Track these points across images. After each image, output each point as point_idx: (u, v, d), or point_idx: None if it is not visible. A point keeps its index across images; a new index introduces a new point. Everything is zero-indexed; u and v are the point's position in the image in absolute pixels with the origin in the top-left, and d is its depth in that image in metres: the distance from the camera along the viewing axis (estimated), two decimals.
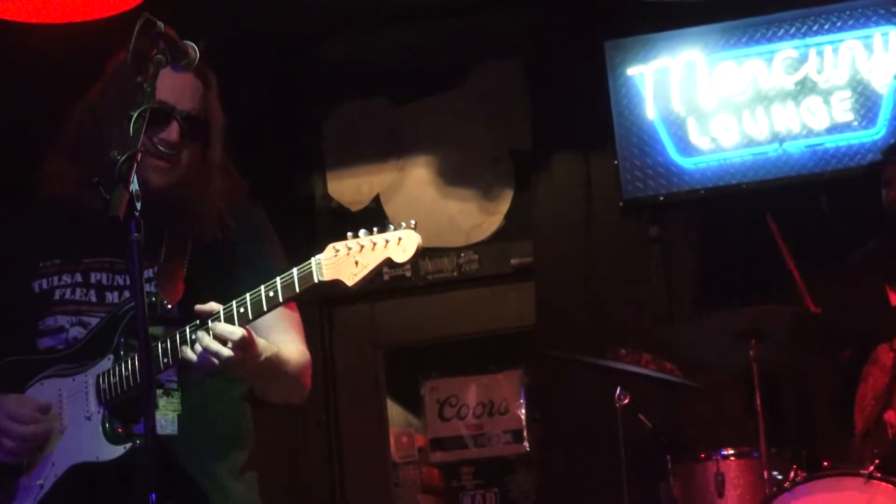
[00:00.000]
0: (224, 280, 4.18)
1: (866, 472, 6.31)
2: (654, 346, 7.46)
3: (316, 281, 3.85)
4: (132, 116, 3.64)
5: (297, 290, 3.86)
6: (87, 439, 3.96)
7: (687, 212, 8.61)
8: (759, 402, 6.86)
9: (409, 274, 8.98)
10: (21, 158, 4.44)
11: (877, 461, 6.36)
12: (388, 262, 3.83)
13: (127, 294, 4.12)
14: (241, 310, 3.89)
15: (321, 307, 9.04)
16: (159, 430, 3.87)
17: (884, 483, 6.28)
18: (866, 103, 8.22)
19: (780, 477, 6.66)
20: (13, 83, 7.62)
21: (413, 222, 3.81)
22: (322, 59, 9.17)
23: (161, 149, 4.04)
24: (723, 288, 8.39)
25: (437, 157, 9.20)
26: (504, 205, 9.13)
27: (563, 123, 8.82)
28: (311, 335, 8.15)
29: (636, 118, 8.52)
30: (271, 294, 3.87)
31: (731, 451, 7.00)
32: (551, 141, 8.88)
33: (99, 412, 3.99)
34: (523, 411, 8.90)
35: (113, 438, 3.96)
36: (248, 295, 3.89)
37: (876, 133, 8.18)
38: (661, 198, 8.50)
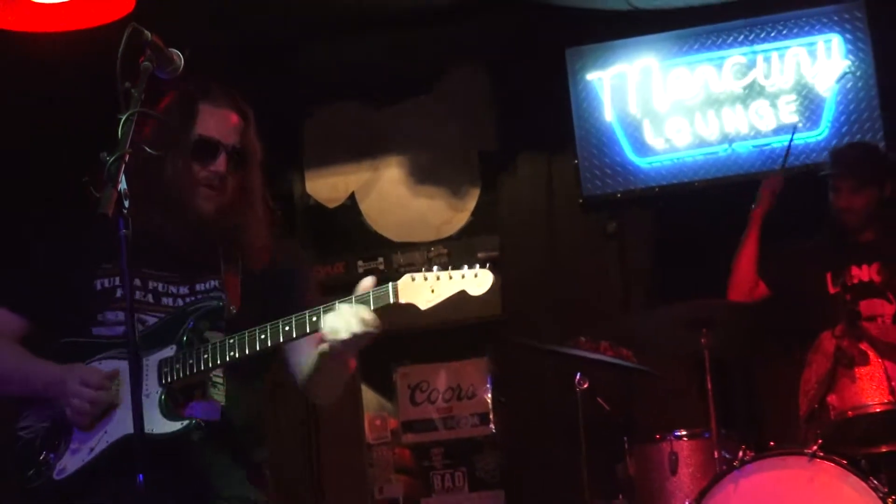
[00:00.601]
0: (271, 303, 4.37)
1: (810, 451, 6.34)
2: (611, 335, 7.48)
3: (391, 301, 4.12)
4: (121, 119, 3.66)
5: (372, 307, 4.11)
6: (146, 413, 3.96)
7: (642, 208, 8.64)
8: (709, 386, 6.89)
9: (382, 267, 9.00)
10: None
11: (819, 441, 6.40)
12: (463, 295, 4.15)
13: (181, 302, 4.34)
14: (314, 318, 4.12)
15: None
16: (205, 416, 4.17)
17: (826, 462, 6.31)
18: (810, 106, 8.26)
19: (729, 456, 6.69)
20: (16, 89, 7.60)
21: (488, 264, 4.15)
22: (302, 64, 9.15)
23: (210, 179, 4.29)
24: (676, 280, 8.40)
25: (409, 158, 9.21)
26: (471, 202, 9.14)
27: (526, 125, 8.84)
28: None
29: (595, 120, 8.54)
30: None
31: (684, 433, 7.03)
32: (516, 142, 8.91)
33: (157, 392, 4.14)
34: (489, 395, 8.90)
35: (169, 416, 4.12)
36: (320, 307, 4.12)
37: (819, 134, 8.22)
38: (619, 195, 8.52)
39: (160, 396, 4.14)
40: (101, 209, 3.57)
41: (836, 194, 7.31)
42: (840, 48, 8.21)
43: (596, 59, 8.55)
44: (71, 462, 4.15)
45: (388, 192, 9.16)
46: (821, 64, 8.24)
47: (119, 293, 4.27)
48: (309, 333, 4.16)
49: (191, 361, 4.17)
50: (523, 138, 8.88)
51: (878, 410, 6.45)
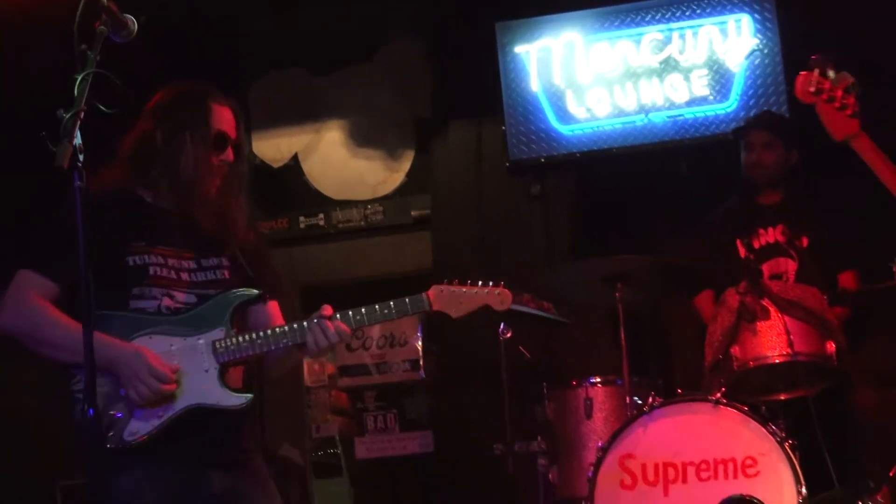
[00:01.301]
0: (252, 277, 4.70)
1: (714, 398, 6.40)
2: (534, 288, 7.48)
3: (427, 309, 4.69)
4: (77, 79, 3.66)
5: (410, 312, 4.70)
6: (210, 387, 4.39)
7: (564, 172, 8.65)
8: (623, 337, 6.92)
9: (322, 223, 8.99)
10: None
11: (723, 389, 6.46)
12: (487, 308, 4.74)
13: (196, 277, 4.56)
14: (357, 317, 4.58)
15: None
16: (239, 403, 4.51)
17: (728, 408, 6.37)
18: (721, 80, 8.27)
19: (639, 402, 6.72)
20: None
21: (502, 283, 4.77)
22: (249, 33, 9.12)
23: (222, 167, 4.60)
24: (594, 238, 8.45)
25: (349, 122, 9.20)
26: (406, 164, 9.14)
27: (458, 94, 8.84)
28: None
29: (522, 90, 8.52)
30: (385, 311, 4.61)
31: (599, 379, 7.06)
32: (448, 109, 8.90)
33: (216, 368, 4.41)
34: (420, 343, 8.92)
35: (233, 390, 4.46)
36: (363, 308, 4.59)
37: (728, 106, 8.24)
38: (543, 160, 8.52)
39: (219, 373, 4.40)
40: (57, 162, 3.59)
41: (749, 151, 7.35)
42: (749, 27, 8.23)
43: (523, 33, 8.54)
44: (142, 426, 4.31)
45: (328, 154, 9.14)
46: (731, 41, 8.26)
47: (151, 271, 4.45)
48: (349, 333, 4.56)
49: (244, 343, 4.46)
50: (455, 106, 8.87)
51: (777, 362, 6.50)
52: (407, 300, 4.60)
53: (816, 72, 4.72)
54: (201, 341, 4.43)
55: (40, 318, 4.36)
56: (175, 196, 4.52)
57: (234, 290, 4.57)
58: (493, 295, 4.68)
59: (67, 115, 3.60)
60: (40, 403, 8.75)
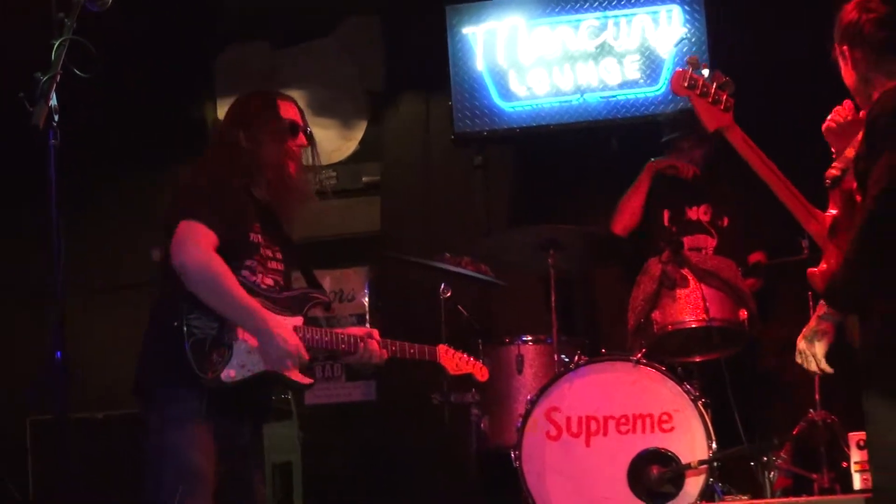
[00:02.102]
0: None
1: (635, 358, 6.44)
2: (473, 252, 7.49)
3: (437, 360, 5.57)
4: (54, 44, 3.64)
5: (427, 358, 5.52)
6: None
7: (505, 146, 8.65)
8: (553, 299, 6.93)
9: None
10: None
11: (643, 350, 6.50)
12: (469, 377, 5.66)
13: (276, 265, 4.98)
14: (394, 348, 5.38)
15: None
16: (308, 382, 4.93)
17: (648, 367, 6.41)
18: (651, 66, 8.28)
19: (566, 359, 6.75)
20: None
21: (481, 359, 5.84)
22: (218, 7, 9.06)
23: (297, 151, 5.06)
24: (531, 207, 8.46)
25: (307, 92, 9.14)
26: (359, 133, 9.12)
27: (409, 70, 8.82)
28: None
29: (468, 69, 8.49)
30: (412, 351, 5.50)
31: (530, 338, 7.08)
32: (399, 83, 8.89)
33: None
34: (367, 300, 8.90)
35: (303, 372, 4.84)
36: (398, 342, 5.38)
37: (658, 90, 8.24)
38: (485, 133, 8.50)
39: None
40: (34, 121, 3.59)
41: (679, 153, 7.41)
42: (679, 17, 8.23)
43: (471, 15, 8.51)
44: (237, 372, 4.64)
45: None
46: (662, 30, 8.27)
47: (260, 250, 4.87)
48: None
49: (316, 336, 4.91)
50: (406, 81, 8.86)
51: (693, 326, 6.57)
52: (427, 350, 5.51)
53: (690, 69, 4.79)
54: (287, 323, 4.75)
55: (223, 274, 4.63)
56: (268, 186, 4.95)
57: (313, 292, 5.11)
58: (478, 368, 5.62)
59: (44, 79, 3.61)
60: (8, 340, 8.73)
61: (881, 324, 4.10)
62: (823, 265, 4.45)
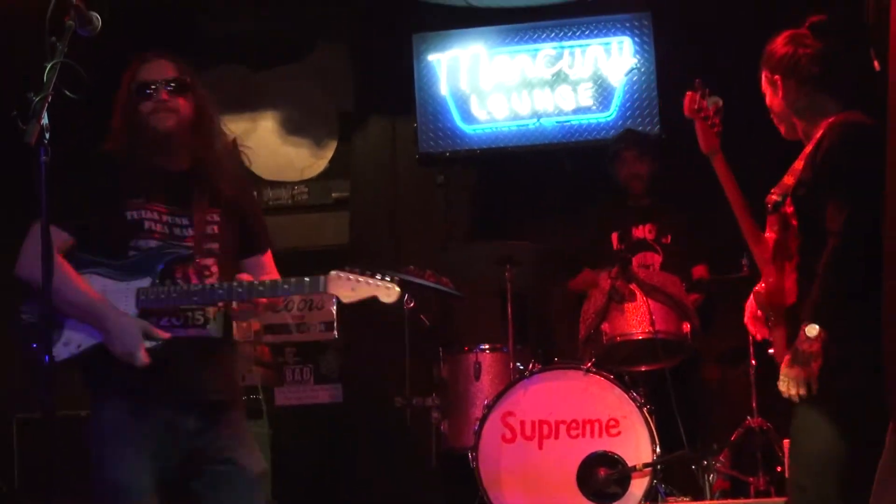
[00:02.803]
0: (244, 228, 4.59)
1: (585, 367, 6.44)
2: (435, 265, 7.48)
3: (321, 290, 4.28)
4: (46, 67, 3.64)
5: (306, 291, 4.35)
6: None
7: (466, 166, 8.65)
8: (510, 311, 6.94)
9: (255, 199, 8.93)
10: None
11: (593, 360, 6.50)
12: (374, 300, 4.28)
13: (187, 232, 4.36)
14: (261, 288, 4.26)
15: None
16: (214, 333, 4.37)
17: (597, 376, 6.42)
18: (603, 93, 8.31)
19: (521, 367, 6.76)
20: None
21: (397, 277, 4.33)
22: (198, 32, 9.02)
23: (158, 106, 4.36)
24: (489, 224, 8.47)
25: (281, 113, 9.15)
26: (329, 152, 9.10)
27: (377, 93, 8.80)
28: None
29: (433, 93, 8.50)
30: (286, 287, 4.30)
31: (487, 346, 7.07)
32: (368, 105, 8.85)
33: (135, 313, 4.18)
34: (335, 308, 8.88)
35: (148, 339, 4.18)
36: (267, 282, 4.30)
37: (609, 116, 8.28)
38: (448, 154, 8.51)
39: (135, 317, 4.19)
40: (26, 139, 3.58)
41: (623, 164, 7.43)
42: (630, 48, 8.27)
43: (436, 43, 8.52)
44: (63, 350, 4.18)
45: (263, 140, 9.07)
46: (614, 60, 8.30)
47: (146, 224, 4.30)
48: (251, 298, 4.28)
49: (163, 295, 4.22)
50: (374, 103, 8.83)
51: (640, 338, 6.58)
52: (306, 280, 4.31)
53: (700, 93, 4.81)
54: (130, 288, 4.23)
55: (56, 275, 4.13)
56: (142, 148, 4.36)
57: (169, 247, 4.32)
58: (383, 289, 4.31)
59: (37, 98, 3.58)
60: None
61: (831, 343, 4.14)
62: (762, 284, 4.49)
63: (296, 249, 8.76)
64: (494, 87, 8.44)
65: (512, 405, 6.52)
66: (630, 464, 6.25)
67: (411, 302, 7.34)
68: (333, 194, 8.93)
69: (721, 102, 4.83)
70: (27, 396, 4.75)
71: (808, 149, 4.33)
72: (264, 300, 4.35)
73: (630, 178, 7.46)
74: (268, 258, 4.69)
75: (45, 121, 3.57)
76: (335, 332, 8.86)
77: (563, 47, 8.38)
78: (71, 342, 4.21)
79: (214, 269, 4.39)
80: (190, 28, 8.99)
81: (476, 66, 8.46)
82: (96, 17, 3.87)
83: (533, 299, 7.87)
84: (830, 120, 4.31)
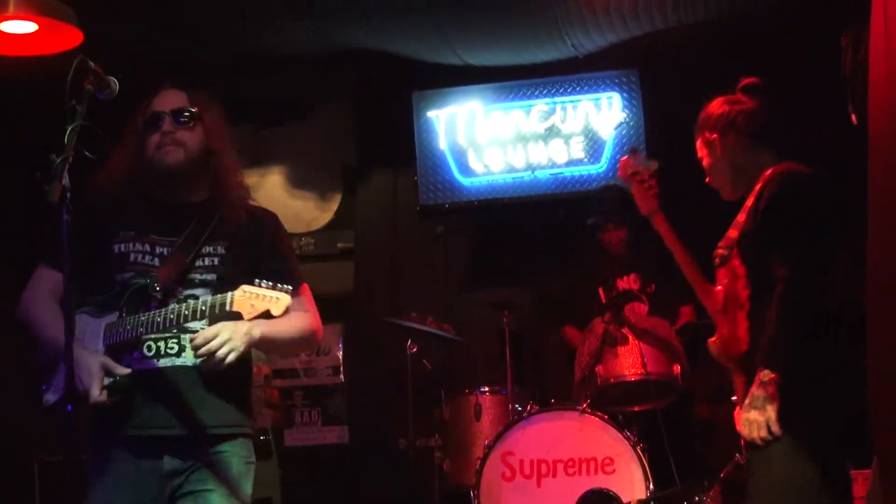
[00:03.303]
0: (253, 253, 4.28)
1: (580, 408, 6.45)
2: (436, 312, 7.50)
3: (228, 309, 3.89)
4: (67, 130, 3.63)
5: (217, 311, 3.90)
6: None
7: (464, 216, 8.65)
8: (508, 355, 6.96)
9: None
10: None
11: (588, 401, 6.50)
12: (266, 314, 3.90)
13: (162, 262, 4.12)
14: (186, 312, 3.92)
15: None
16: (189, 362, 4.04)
17: (592, 416, 6.43)
18: (594, 146, 8.31)
19: (520, 408, 6.76)
20: None
21: (290, 288, 3.91)
22: (212, 93, 9.04)
23: (164, 139, 4.15)
24: (487, 272, 8.46)
25: (288, 168, 9.16)
26: (335, 204, 9.10)
27: (380, 148, 8.82)
28: None
29: (432, 147, 8.51)
30: (202, 309, 3.92)
31: (486, 389, 7.08)
32: (371, 160, 8.87)
33: (101, 350, 3.99)
34: (341, 353, 8.87)
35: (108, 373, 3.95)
36: (192, 304, 3.94)
37: (600, 167, 8.27)
38: (447, 205, 8.50)
39: (102, 353, 3.98)
40: (49, 198, 3.56)
41: (605, 233, 7.43)
42: (619, 103, 8.28)
43: (435, 100, 8.53)
44: (53, 395, 4.01)
45: (271, 193, 9.07)
46: (604, 114, 8.30)
47: (132, 257, 4.10)
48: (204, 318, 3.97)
49: (120, 329, 4.00)
50: (376, 158, 8.85)
51: (632, 379, 6.56)
52: (216, 300, 3.93)
53: (634, 157, 4.91)
54: (101, 324, 4.04)
55: (33, 318, 4.09)
56: (147, 183, 4.19)
57: (132, 279, 4.07)
58: (273, 301, 3.90)
59: (58, 160, 3.57)
60: (16, 380, 8.61)
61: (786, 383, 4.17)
62: (717, 336, 4.56)
63: None
64: (490, 141, 8.45)
65: (511, 445, 6.53)
66: (625, 500, 6.25)
67: (414, 347, 7.36)
68: (339, 245, 8.92)
69: (656, 166, 4.92)
70: (48, 439, 4.67)
71: (750, 201, 4.41)
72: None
73: (612, 244, 7.46)
74: (300, 295, 4.30)
75: (66, 181, 3.57)
76: (342, 377, 8.85)
77: (555, 103, 8.38)
78: (58, 387, 4.02)
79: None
80: (201, 88, 9.01)
81: (473, 121, 8.47)
82: (114, 81, 3.89)
83: (530, 343, 7.86)
84: (768, 172, 4.39)
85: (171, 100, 4.22)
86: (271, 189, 9.13)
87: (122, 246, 4.10)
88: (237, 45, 7.93)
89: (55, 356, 3.99)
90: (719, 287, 4.55)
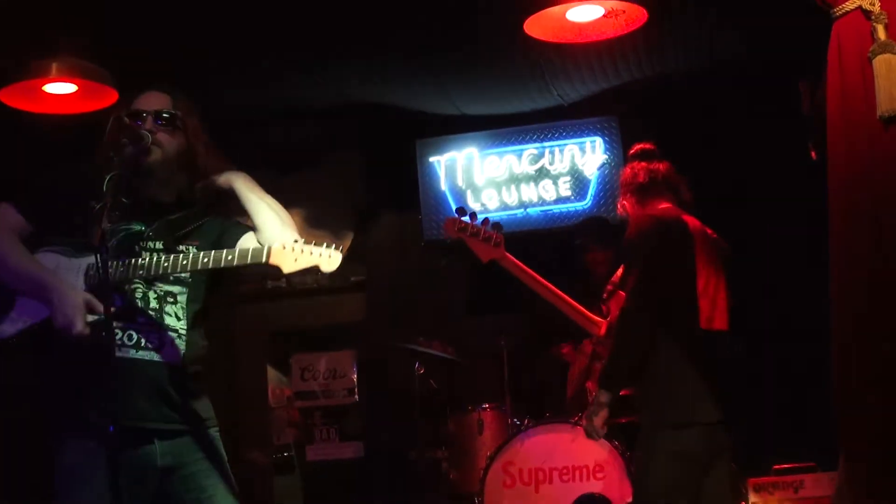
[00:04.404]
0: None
1: (573, 420, 6.41)
2: (441, 336, 7.49)
3: (263, 261, 3.71)
4: (105, 179, 3.58)
5: (248, 261, 3.71)
6: None
7: (464, 250, 8.60)
8: (506, 373, 6.93)
9: (284, 285, 8.91)
10: None
11: (579, 414, 6.45)
12: (315, 269, 3.75)
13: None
14: (205, 259, 3.71)
15: (230, 306, 8.95)
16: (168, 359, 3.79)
17: (583, 428, 6.37)
18: (580, 185, 8.31)
19: (518, 422, 6.72)
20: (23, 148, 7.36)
21: (342, 246, 3.80)
22: (235, 142, 9.02)
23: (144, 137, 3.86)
24: (486, 299, 8.43)
25: (306, 210, 9.12)
26: (347, 242, 9.06)
27: (387, 191, 8.82)
28: (221, 326, 8.03)
29: (434, 189, 8.51)
30: (229, 257, 3.71)
31: (487, 405, 7.04)
32: (379, 202, 8.87)
33: (83, 288, 3.66)
34: (355, 376, 8.85)
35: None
36: (211, 252, 3.73)
37: (585, 204, 8.27)
38: (448, 241, 8.42)
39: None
40: (90, 241, 3.49)
41: (588, 254, 7.40)
42: (601, 146, 8.28)
43: (436, 147, 8.54)
44: (12, 325, 3.70)
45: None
46: (588, 156, 8.31)
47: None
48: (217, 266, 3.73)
49: (121, 269, 3.71)
50: (384, 199, 8.84)
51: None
52: (249, 250, 3.73)
53: (459, 217, 5.04)
54: (81, 264, 3.74)
55: (4, 245, 3.75)
56: (139, 182, 3.86)
57: (126, 223, 3.81)
58: (324, 257, 3.76)
59: (98, 206, 3.49)
60: None
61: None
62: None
63: (320, 325, 8.78)
64: (486, 182, 8.45)
65: (511, 455, 6.50)
66: (615, 503, 6.20)
67: (421, 369, 7.36)
68: (352, 278, 8.91)
69: (492, 221, 5.05)
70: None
71: None
72: None
73: (596, 266, 7.42)
74: None
75: (105, 225, 3.51)
76: (356, 397, 8.82)
77: (544, 147, 8.39)
78: (19, 319, 3.70)
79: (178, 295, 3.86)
80: (227, 139, 9.01)
81: (470, 165, 8.47)
82: (147, 135, 3.87)
83: (526, 363, 7.82)
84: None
85: (154, 101, 3.94)
86: None
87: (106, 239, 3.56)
88: (260, 100, 7.95)
89: (12, 286, 3.72)
90: (609, 319, 4.83)
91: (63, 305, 3.57)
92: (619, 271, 4.64)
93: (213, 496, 3.79)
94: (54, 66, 6.03)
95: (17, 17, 5.90)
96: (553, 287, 4.89)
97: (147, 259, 3.75)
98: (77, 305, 3.59)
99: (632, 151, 4.93)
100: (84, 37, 6.08)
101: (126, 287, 3.78)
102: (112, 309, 3.45)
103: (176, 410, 3.80)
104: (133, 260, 3.75)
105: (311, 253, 3.76)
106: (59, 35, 6.05)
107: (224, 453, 3.91)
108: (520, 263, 4.90)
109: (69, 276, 3.70)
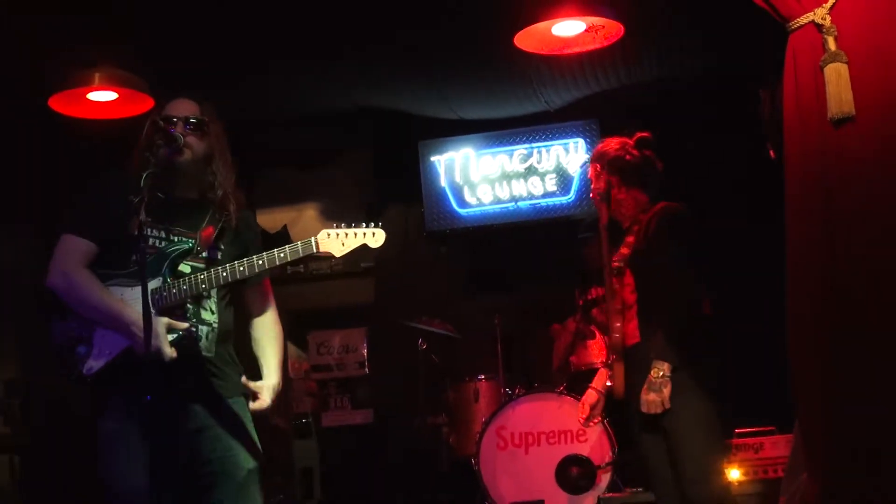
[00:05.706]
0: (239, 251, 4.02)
1: (558, 390, 6.43)
2: (441, 316, 7.48)
3: (314, 251, 3.83)
4: (143, 176, 3.60)
5: (301, 255, 3.82)
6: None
7: (462, 239, 8.62)
8: (499, 349, 6.94)
9: (302, 270, 8.89)
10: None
11: (564, 384, 6.47)
12: (364, 247, 3.94)
13: (187, 238, 3.86)
14: (260, 262, 3.78)
15: None
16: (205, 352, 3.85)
17: (567, 396, 6.41)
18: (564, 181, 8.29)
19: (510, 392, 6.73)
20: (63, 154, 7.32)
21: (380, 224, 3.95)
22: (261, 142, 9.02)
23: (175, 139, 3.85)
24: (481, 283, 8.42)
25: (321, 204, 9.14)
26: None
27: (394, 186, 8.78)
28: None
29: (435, 185, 8.49)
30: (282, 255, 3.80)
31: (483, 376, 7.06)
32: (387, 197, 8.84)
33: (154, 314, 3.61)
34: (366, 351, 8.84)
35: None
36: (264, 254, 3.79)
37: (569, 198, 8.24)
38: (448, 231, 8.48)
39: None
40: (129, 231, 3.59)
41: (587, 246, 7.38)
42: (583, 147, 8.26)
43: (436, 148, 8.52)
44: (96, 363, 3.68)
45: (306, 225, 9.04)
46: (571, 156, 8.29)
47: (150, 241, 3.76)
48: (253, 275, 3.81)
49: (174, 292, 3.73)
50: (391, 194, 8.81)
51: (599, 367, 6.49)
52: (299, 245, 3.77)
53: None
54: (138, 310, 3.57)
55: (77, 283, 3.70)
56: (168, 184, 3.87)
57: (172, 245, 3.80)
58: (369, 236, 3.86)
59: (136, 200, 3.56)
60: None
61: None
62: (617, 332, 4.66)
63: (334, 307, 8.77)
64: (481, 179, 8.43)
65: (503, 421, 6.52)
66: (596, 463, 6.22)
67: (424, 344, 7.36)
68: (362, 264, 8.88)
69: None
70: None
71: (637, 227, 4.58)
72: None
73: (590, 256, 7.40)
74: (266, 284, 4.17)
75: (143, 216, 3.54)
76: (366, 370, 8.82)
77: (532, 147, 8.37)
78: (102, 353, 3.67)
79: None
80: (250, 139, 9.01)
81: (467, 163, 8.45)
82: (179, 137, 3.88)
83: (517, 339, 7.83)
84: (657, 207, 4.57)
85: (184, 107, 3.93)
86: (307, 221, 9.11)
87: (138, 230, 3.58)
88: (283, 104, 7.92)
89: (93, 322, 3.68)
90: (620, 291, 4.64)
91: (147, 336, 3.46)
92: (622, 250, 4.56)
93: (238, 455, 3.83)
94: (97, 75, 6.04)
95: (64, 33, 5.89)
96: None
97: (206, 274, 3.78)
98: (160, 333, 3.61)
99: (635, 137, 4.76)
100: (124, 49, 6.08)
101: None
102: (185, 325, 3.68)
103: (209, 378, 3.85)
104: (195, 275, 3.77)
105: (356, 235, 3.92)
106: (101, 48, 6.05)
107: (250, 416, 3.97)
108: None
109: (137, 306, 3.57)
